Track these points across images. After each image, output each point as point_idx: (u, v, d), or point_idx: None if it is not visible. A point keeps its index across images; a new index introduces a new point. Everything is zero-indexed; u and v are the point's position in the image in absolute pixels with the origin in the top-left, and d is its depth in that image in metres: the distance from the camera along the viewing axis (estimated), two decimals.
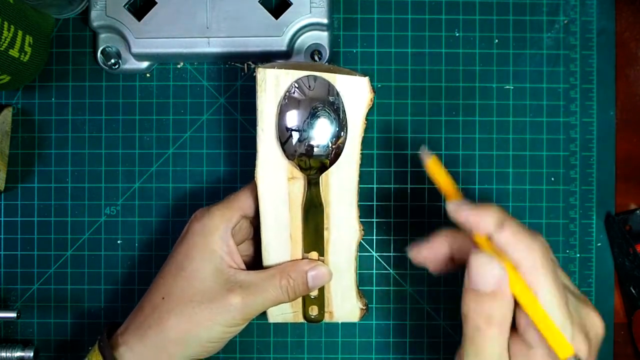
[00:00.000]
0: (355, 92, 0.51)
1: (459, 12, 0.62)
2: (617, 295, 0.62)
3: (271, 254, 0.53)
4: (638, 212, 0.61)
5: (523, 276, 0.38)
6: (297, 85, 0.50)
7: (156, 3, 0.58)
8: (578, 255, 0.62)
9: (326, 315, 0.55)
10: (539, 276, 0.38)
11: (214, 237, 0.51)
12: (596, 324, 0.40)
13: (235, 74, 0.62)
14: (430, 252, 0.45)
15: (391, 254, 0.62)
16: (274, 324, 0.62)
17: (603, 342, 0.61)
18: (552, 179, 0.62)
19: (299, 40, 0.60)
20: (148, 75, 0.62)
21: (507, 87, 0.62)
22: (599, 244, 0.62)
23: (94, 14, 0.58)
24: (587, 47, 0.62)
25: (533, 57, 0.62)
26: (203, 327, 0.49)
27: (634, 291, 0.60)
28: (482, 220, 0.40)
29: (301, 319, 0.55)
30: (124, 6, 0.58)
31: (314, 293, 0.54)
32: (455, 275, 0.61)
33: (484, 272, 0.38)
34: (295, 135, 0.50)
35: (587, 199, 0.62)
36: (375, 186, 0.62)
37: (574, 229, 0.62)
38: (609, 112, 0.62)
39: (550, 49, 0.62)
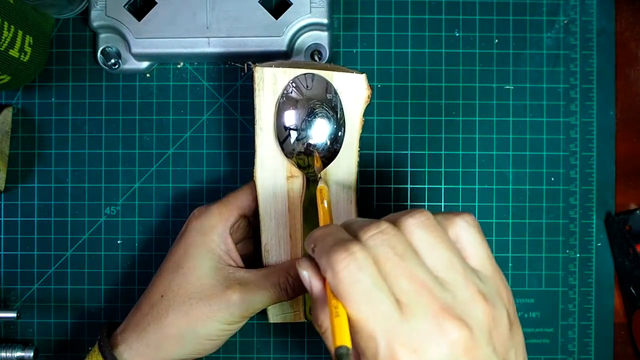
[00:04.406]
0: (353, 90, 0.51)
1: (459, 12, 0.62)
2: (617, 295, 0.62)
3: (271, 253, 0.53)
4: (638, 212, 0.61)
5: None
6: (294, 84, 0.50)
7: (156, 3, 0.58)
8: (578, 255, 0.62)
9: None
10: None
11: (212, 235, 0.51)
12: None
13: (235, 74, 0.62)
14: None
15: None
16: (273, 323, 0.62)
17: (603, 342, 0.61)
18: (552, 179, 0.62)
19: (299, 40, 0.60)
20: (148, 75, 0.62)
21: (507, 87, 0.62)
22: (599, 244, 0.62)
23: (94, 14, 0.58)
24: (587, 47, 0.62)
25: (533, 57, 0.62)
26: (201, 323, 0.49)
27: (634, 291, 0.60)
28: (308, 250, 0.40)
29: (302, 319, 0.55)
30: (124, 6, 0.58)
31: None
32: None
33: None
34: (294, 134, 0.51)
35: (587, 199, 0.62)
36: (375, 186, 0.62)
37: (574, 229, 0.62)
38: (609, 112, 0.62)
39: (550, 49, 0.62)
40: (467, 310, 0.35)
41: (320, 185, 0.48)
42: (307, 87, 0.50)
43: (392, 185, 0.62)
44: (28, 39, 0.55)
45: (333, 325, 0.35)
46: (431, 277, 0.36)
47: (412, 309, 0.35)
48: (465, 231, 0.38)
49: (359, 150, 0.52)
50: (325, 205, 0.46)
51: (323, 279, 0.38)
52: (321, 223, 0.46)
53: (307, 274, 0.39)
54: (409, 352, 0.34)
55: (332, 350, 0.34)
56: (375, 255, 0.36)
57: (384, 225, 0.37)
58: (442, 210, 0.62)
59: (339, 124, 0.51)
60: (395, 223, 0.38)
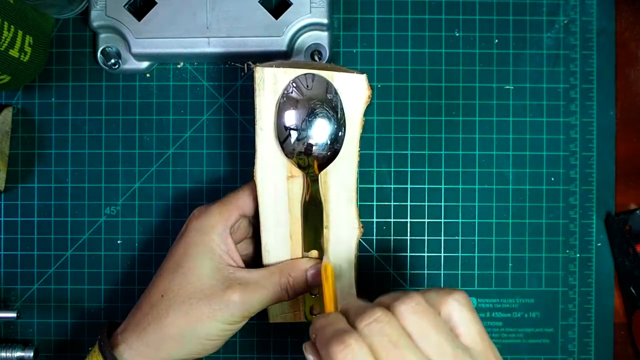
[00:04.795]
0: (353, 90, 0.51)
1: (459, 12, 0.62)
2: (617, 295, 0.62)
3: (271, 253, 0.53)
4: (638, 212, 0.61)
5: None
6: (295, 84, 0.50)
7: (156, 3, 0.58)
8: (578, 255, 0.62)
9: None
10: None
11: (212, 235, 0.51)
12: None
13: (235, 74, 0.62)
14: None
15: (391, 254, 0.62)
16: (274, 323, 0.61)
17: (603, 342, 0.61)
18: (552, 179, 0.62)
19: (299, 40, 0.60)
20: (148, 75, 0.62)
21: (507, 87, 0.62)
22: (599, 244, 0.62)
23: (94, 14, 0.58)
24: (587, 47, 0.62)
25: (533, 57, 0.62)
26: (201, 323, 0.49)
27: (634, 291, 0.60)
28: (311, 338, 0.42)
29: (302, 319, 0.55)
30: (124, 6, 0.58)
31: (315, 292, 0.54)
32: (455, 277, 0.61)
33: None
34: (294, 134, 0.50)
35: (587, 199, 0.62)
36: (375, 186, 0.62)
37: (574, 229, 0.62)
38: (609, 112, 0.62)
39: (550, 49, 0.62)
40: None
41: (325, 262, 0.49)
42: (307, 87, 0.50)
43: (392, 186, 0.62)
44: (28, 39, 0.55)
45: None
46: None
47: None
48: (456, 310, 0.40)
49: (359, 150, 0.52)
50: (330, 290, 0.47)
51: None
52: (326, 304, 0.47)
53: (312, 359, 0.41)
54: None
55: None
56: (371, 343, 0.38)
57: (379, 313, 0.39)
58: (442, 210, 0.62)
59: (340, 124, 0.51)
60: (389, 308, 0.40)
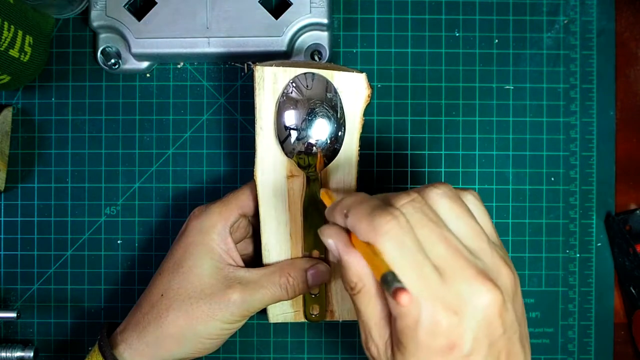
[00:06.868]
0: (353, 89, 0.51)
1: (459, 12, 0.62)
2: (617, 295, 0.62)
3: (271, 253, 0.53)
4: (638, 212, 0.61)
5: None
6: (294, 84, 0.50)
7: (156, 3, 0.58)
8: (578, 255, 0.62)
9: (327, 314, 0.55)
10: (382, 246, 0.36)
11: (212, 234, 0.51)
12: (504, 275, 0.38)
13: (235, 74, 0.62)
14: None
15: None
16: (273, 323, 0.61)
17: (603, 342, 0.61)
18: (552, 179, 0.62)
19: (299, 40, 0.60)
20: (148, 75, 0.62)
21: (507, 87, 0.62)
22: (599, 244, 0.62)
23: (94, 14, 0.58)
24: (587, 47, 0.62)
25: (533, 57, 0.62)
26: (201, 322, 0.49)
27: (634, 291, 0.60)
28: (334, 218, 0.40)
29: (302, 319, 0.55)
30: (124, 6, 0.58)
31: (315, 291, 0.54)
32: None
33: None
34: (294, 134, 0.51)
35: (587, 199, 0.62)
36: (375, 186, 0.62)
37: (574, 229, 0.62)
38: (609, 112, 0.62)
39: (550, 49, 0.62)
40: (496, 275, 0.37)
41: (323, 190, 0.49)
42: (307, 86, 0.50)
43: (392, 185, 0.62)
44: (28, 39, 0.55)
45: (371, 259, 0.36)
46: (462, 244, 0.37)
47: (450, 273, 0.36)
48: (473, 205, 0.40)
49: (359, 150, 0.52)
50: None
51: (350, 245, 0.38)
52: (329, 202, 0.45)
53: (333, 242, 0.39)
54: (451, 315, 0.35)
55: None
56: (411, 221, 0.36)
57: (414, 195, 0.38)
58: None
59: (339, 123, 0.51)
60: (420, 194, 0.38)
